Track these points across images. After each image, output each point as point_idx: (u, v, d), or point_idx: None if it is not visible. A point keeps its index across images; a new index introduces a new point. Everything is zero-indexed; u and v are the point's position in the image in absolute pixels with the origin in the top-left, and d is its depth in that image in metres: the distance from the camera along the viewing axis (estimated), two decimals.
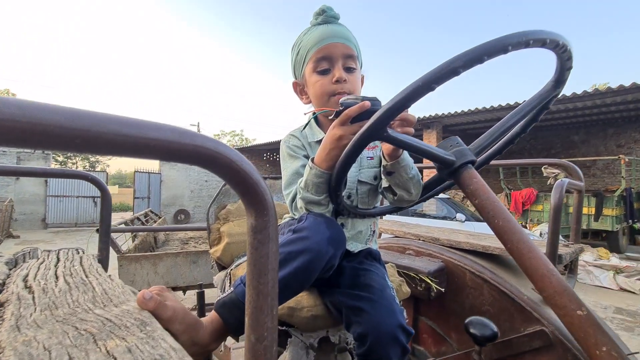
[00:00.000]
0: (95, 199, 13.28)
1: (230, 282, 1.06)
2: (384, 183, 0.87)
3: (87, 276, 0.75)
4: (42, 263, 0.85)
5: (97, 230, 2.77)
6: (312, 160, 0.80)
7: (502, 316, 1.21)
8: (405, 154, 0.81)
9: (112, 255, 2.91)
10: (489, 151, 0.83)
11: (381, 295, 0.82)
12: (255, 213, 0.34)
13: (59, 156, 27.62)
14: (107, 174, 14.71)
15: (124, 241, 3.48)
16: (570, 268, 1.34)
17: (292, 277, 0.72)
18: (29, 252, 1.00)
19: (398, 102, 0.55)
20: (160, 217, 5.74)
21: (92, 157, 31.28)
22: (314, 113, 0.97)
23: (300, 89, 1.03)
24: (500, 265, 1.32)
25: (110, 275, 0.79)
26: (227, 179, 0.32)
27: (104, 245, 1.10)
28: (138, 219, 4.68)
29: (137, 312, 0.54)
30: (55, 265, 0.83)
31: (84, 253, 1.06)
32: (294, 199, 0.89)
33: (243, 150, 16.65)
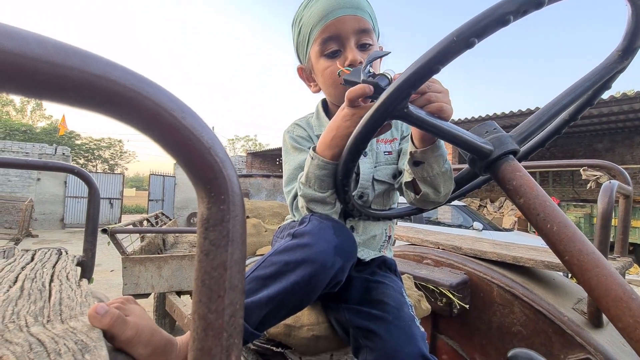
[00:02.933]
0: (112, 200, 13.55)
1: None
2: (406, 177, 0.71)
3: (51, 281, 0.64)
4: (9, 264, 0.75)
5: (102, 230, 2.70)
6: (314, 149, 0.67)
7: (536, 339, 1.05)
8: (441, 141, 0.64)
9: (118, 256, 2.84)
10: (531, 142, 0.69)
11: (398, 315, 0.68)
12: (207, 197, 0.21)
13: (80, 159, 28.46)
14: (124, 176, 14.96)
15: (132, 242, 3.43)
16: None
17: (289, 294, 0.58)
18: (5, 251, 0.91)
19: (423, 66, 0.41)
20: (171, 220, 5.71)
21: (112, 160, 32.08)
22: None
23: (306, 75, 0.88)
24: (534, 280, 1.15)
25: (81, 281, 0.68)
26: (157, 138, 0.20)
27: (90, 245, 1.00)
28: (148, 220, 4.64)
29: (85, 331, 0.42)
30: (23, 267, 0.73)
31: (66, 254, 0.96)
32: (295, 197, 0.76)
33: (256, 155, 16.70)
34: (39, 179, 11.80)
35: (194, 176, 0.21)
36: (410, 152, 0.64)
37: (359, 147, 0.54)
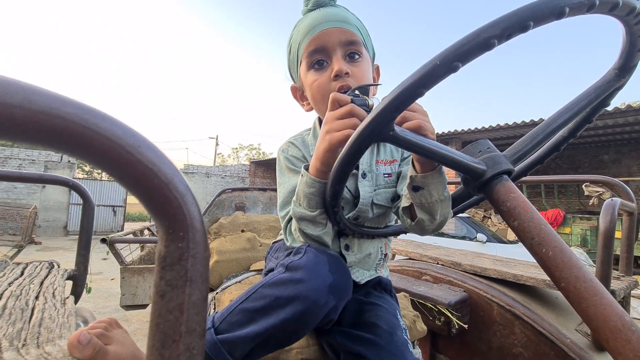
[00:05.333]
0: (115, 208, 13.62)
1: (215, 308, 0.92)
2: (404, 202, 0.68)
3: (37, 298, 0.63)
4: None
5: (102, 240, 2.69)
6: (306, 167, 0.66)
7: None
8: (443, 167, 0.60)
9: (118, 266, 2.83)
10: (529, 159, 0.67)
11: (390, 339, 0.65)
12: (166, 234, 0.20)
13: (86, 166, 28.71)
14: None
15: (132, 251, 3.41)
16: (622, 305, 1.12)
17: (277, 331, 0.56)
18: None
19: (406, 90, 0.40)
20: None
21: None
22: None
23: (300, 94, 0.87)
24: (535, 298, 1.12)
25: (67, 298, 0.67)
26: (113, 174, 0.19)
27: (82, 259, 0.99)
28: (149, 229, 4.63)
29: (59, 358, 0.41)
30: (10, 283, 0.72)
31: (57, 267, 0.95)
32: (289, 221, 0.73)
33: (260, 163, 16.76)
34: (44, 186, 11.90)
35: (152, 212, 0.20)
36: (410, 177, 0.62)
37: (346, 169, 0.53)
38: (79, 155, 0.18)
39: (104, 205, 13.34)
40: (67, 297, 0.67)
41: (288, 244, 0.75)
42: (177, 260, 0.20)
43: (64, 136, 0.17)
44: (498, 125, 7.55)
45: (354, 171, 0.79)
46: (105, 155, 0.18)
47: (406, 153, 0.85)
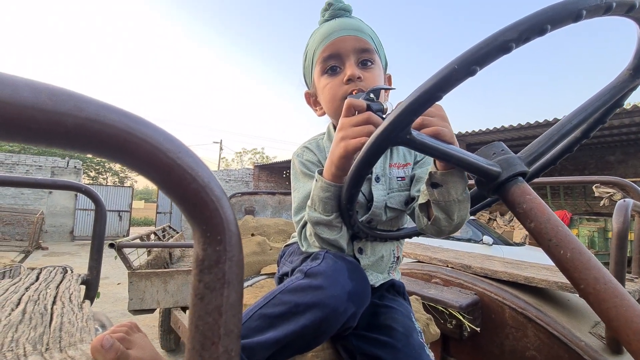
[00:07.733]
0: (121, 213, 13.71)
1: None
2: (421, 198, 0.67)
3: (54, 303, 0.64)
4: (14, 284, 0.75)
5: (110, 244, 2.70)
6: (320, 171, 0.66)
7: None
8: None
9: (124, 270, 2.84)
10: (542, 160, 0.67)
11: (407, 342, 0.65)
12: (203, 237, 0.21)
13: (91, 172, 28.94)
14: (133, 189, 15.16)
15: (139, 255, 3.43)
16: None
17: (296, 337, 0.57)
18: (11, 270, 0.92)
19: (424, 93, 0.41)
20: (178, 233, 5.70)
21: (122, 172, 32.57)
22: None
23: (313, 99, 0.89)
24: (548, 301, 1.11)
25: (84, 302, 0.68)
26: (153, 178, 0.19)
27: (95, 263, 1.00)
28: (155, 234, 4.64)
29: None
30: (27, 288, 0.73)
31: (71, 272, 0.96)
32: (304, 226, 0.74)
33: (263, 167, 16.81)
34: (50, 192, 12.01)
35: (189, 215, 0.21)
36: (430, 173, 0.61)
37: (362, 172, 0.53)
38: (123, 160, 0.19)
39: (110, 211, 13.44)
40: (84, 302, 0.67)
41: (303, 249, 0.75)
42: (214, 263, 0.21)
43: (111, 142, 0.18)
44: (503, 127, 7.51)
45: (368, 175, 0.79)
46: (147, 161, 0.19)
47: (419, 156, 0.85)
